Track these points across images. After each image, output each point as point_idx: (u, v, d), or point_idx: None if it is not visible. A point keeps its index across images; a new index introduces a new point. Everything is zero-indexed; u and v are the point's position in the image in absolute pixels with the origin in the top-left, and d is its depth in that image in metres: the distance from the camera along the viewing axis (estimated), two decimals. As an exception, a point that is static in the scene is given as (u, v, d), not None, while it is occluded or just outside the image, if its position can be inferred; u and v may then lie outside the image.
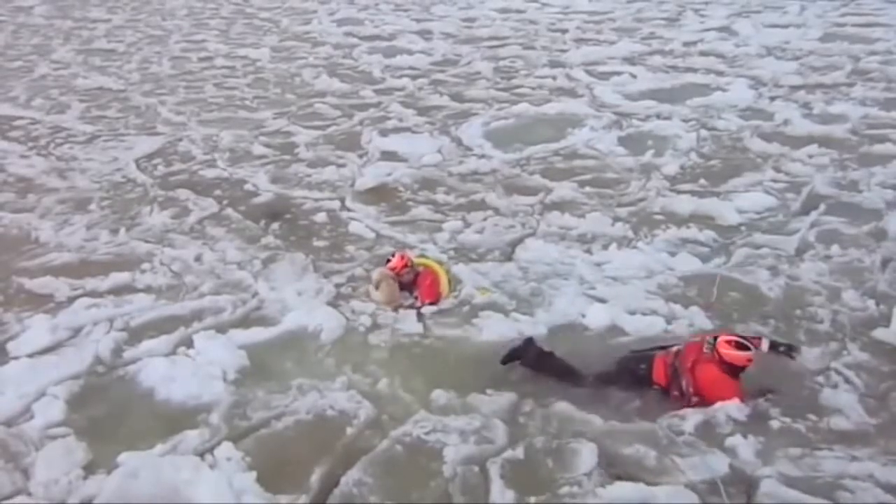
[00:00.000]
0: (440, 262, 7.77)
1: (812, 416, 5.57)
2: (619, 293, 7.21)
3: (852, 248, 7.87)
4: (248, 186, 10.43)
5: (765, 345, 5.94)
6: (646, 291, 7.26)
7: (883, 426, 5.46)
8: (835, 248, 7.88)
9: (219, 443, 5.50)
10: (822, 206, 8.83)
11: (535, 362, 6.16)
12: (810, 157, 10.24)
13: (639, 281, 7.45)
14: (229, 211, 9.68)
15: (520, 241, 8.46)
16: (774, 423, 5.49)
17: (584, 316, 6.88)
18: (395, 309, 7.17)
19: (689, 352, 5.81)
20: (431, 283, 7.34)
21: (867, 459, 5.12)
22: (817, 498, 4.83)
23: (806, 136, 10.99)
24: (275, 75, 16.29)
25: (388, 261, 7.48)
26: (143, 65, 17.90)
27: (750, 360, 5.63)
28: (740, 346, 5.62)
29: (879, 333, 6.45)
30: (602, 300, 7.10)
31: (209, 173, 11.00)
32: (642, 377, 5.90)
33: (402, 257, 7.50)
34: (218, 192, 10.32)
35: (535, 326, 6.74)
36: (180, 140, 12.45)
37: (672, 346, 6.05)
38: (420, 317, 7.03)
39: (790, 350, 6.04)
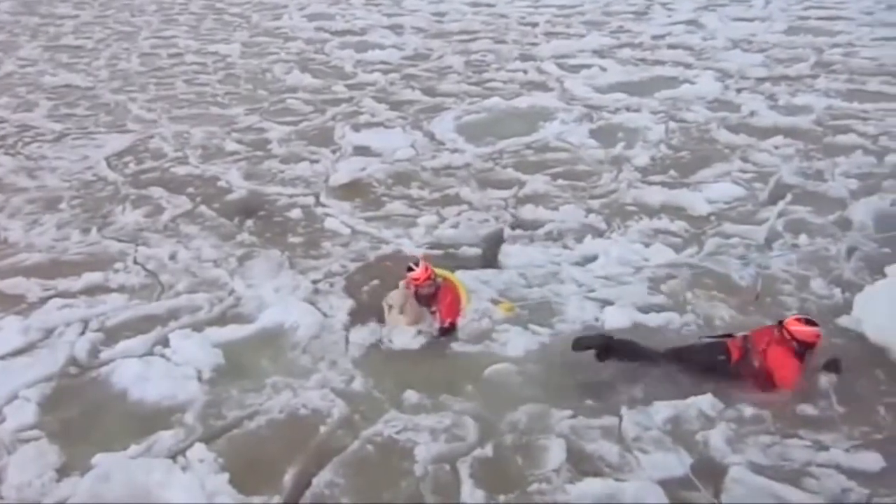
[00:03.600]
0: (451, 270, 7.44)
1: (781, 404, 5.73)
2: (619, 293, 7.24)
3: (819, 238, 8.08)
4: (221, 183, 10.38)
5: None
6: (645, 288, 7.33)
7: (848, 413, 5.63)
8: (802, 237, 8.08)
9: (192, 443, 5.51)
10: (789, 196, 9.04)
11: (607, 348, 6.20)
12: (776, 147, 10.45)
13: (630, 277, 7.53)
14: (203, 208, 9.63)
15: (497, 238, 8.50)
16: (745, 412, 5.64)
17: (597, 320, 6.85)
18: (419, 331, 6.78)
19: (761, 335, 5.99)
20: (453, 301, 6.83)
21: (832, 446, 5.29)
22: (784, 484, 4.98)
23: (772, 127, 11.21)
24: (246, 71, 16.18)
25: (410, 269, 6.91)
26: (111, 61, 17.66)
27: (819, 336, 5.85)
28: (809, 323, 5.83)
29: (844, 321, 6.64)
30: (608, 301, 7.10)
31: (181, 170, 10.93)
32: (720, 362, 6.00)
33: (427, 268, 6.90)
34: (191, 189, 10.25)
35: (557, 338, 6.60)
36: (151, 137, 12.33)
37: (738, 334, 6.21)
38: (440, 337, 6.73)
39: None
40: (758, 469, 5.13)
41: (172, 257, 8.33)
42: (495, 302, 7.09)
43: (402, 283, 7.02)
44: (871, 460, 5.15)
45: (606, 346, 6.17)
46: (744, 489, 4.97)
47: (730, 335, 6.21)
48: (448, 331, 6.72)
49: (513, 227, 8.73)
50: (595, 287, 7.37)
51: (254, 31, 20.12)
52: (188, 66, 16.84)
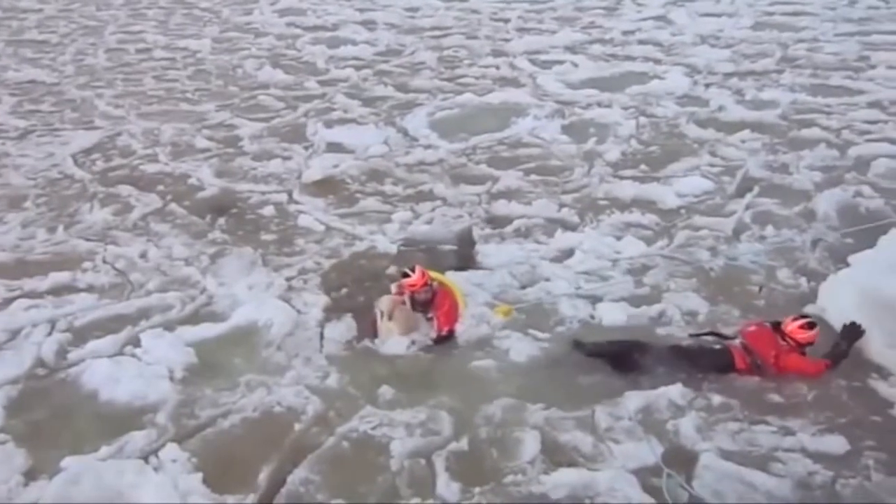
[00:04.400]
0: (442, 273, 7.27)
1: (749, 391, 5.86)
2: (605, 289, 7.30)
3: (785, 229, 8.25)
4: (192, 181, 10.29)
5: None
6: (630, 282, 7.40)
7: (813, 398, 5.77)
8: (769, 229, 8.24)
9: (165, 443, 5.47)
10: (756, 189, 9.21)
11: (617, 356, 6.23)
12: (743, 141, 10.63)
13: (610, 272, 7.59)
14: (174, 206, 9.54)
15: (468, 237, 8.47)
16: (714, 400, 5.75)
17: (592, 318, 6.88)
18: (413, 341, 6.56)
19: (762, 345, 6.04)
20: (451, 308, 6.64)
21: (799, 431, 5.41)
22: (752, 469, 5.08)
23: (739, 121, 11.39)
24: (216, 67, 16.03)
25: (406, 275, 6.70)
26: (77, 57, 17.38)
27: (817, 335, 6.00)
28: (811, 326, 5.95)
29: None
30: (597, 298, 7.14)
31: (151, 168, 10.81)
32: (724, 364, 6.08)
33: (424, 273, 6.67)
34: (161, 187, 10.15)
35: (559, 345, 6.52)
36: (119, 134, 12.17)
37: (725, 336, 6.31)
38: (435, 345, 6.58)
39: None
40: (727, 455, 5.22)
41: (143, 256, 8.25)
42: (492, 306, 6.98)
43: (392, 288, 6.92)
44: (836, 444, 5.28)
45: (617, 355, 6.20)
46: (714, 475, 5.05)
47: (720, 335, 6.31)
48: (445, 338, 6.57)
49: (486, 223, 8.77)
50: (579, 283, 7.41)
51: (224, 27, 19.93)
52: (157, 62, 16.64)
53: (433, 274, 6.92)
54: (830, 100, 12.08)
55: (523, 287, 7.37)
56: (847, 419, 5.54)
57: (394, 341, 6.55)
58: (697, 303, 7.01)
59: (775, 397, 5.80)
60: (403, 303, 6.65)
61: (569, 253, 7.98)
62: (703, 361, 6.13)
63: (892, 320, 5.97)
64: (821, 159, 9.96)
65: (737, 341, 6.19)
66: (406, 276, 6.68)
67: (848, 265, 7.26)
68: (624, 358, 6.17)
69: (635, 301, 7.08)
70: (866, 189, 8.99)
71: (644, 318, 6.85)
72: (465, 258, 8.09)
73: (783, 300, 7.00)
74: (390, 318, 6.52)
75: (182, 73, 15.67)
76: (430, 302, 6.64)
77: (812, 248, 7.89)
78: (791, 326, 6.01)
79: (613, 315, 6.86)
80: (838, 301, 6.47)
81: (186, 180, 10.33)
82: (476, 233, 8.49)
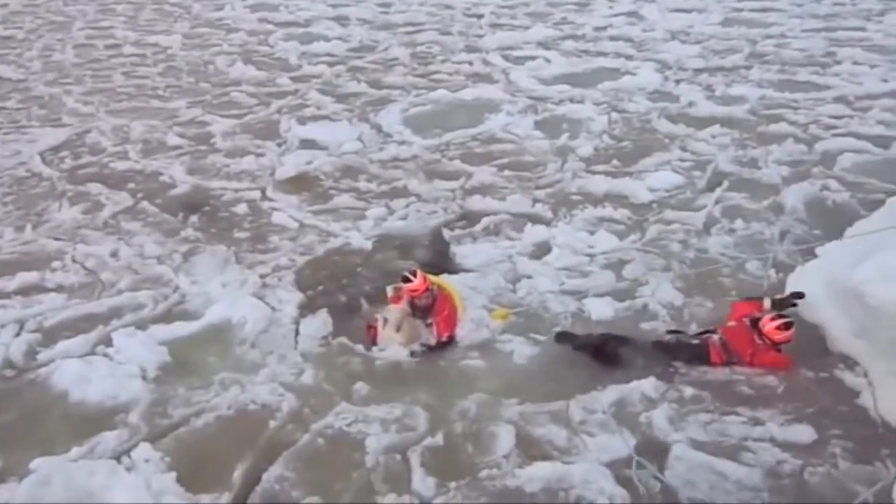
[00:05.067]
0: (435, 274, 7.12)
1: (720, 383, 5.96)
2: (587, 284, 7.35)
3: (754, 222, 8.38)
4: (163, 178, 10.20)
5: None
6: (611, 277, 7.47)
7: (782, 389, 5.88)
8: (738, 222, 8.36)
9: (137, 443, 5.43)
10: (726, 183, 9.34)
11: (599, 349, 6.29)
12: (713, 136, 10.75)
13: (587, 267, 7.64)
14: (145, 204, 9.45)
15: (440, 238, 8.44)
16: (686, 392, 5.84)
17: (583, 312, 6.91)
18: (412, 352, 6.41)
19: (739, 343, 6.14)
20: (450, 314, 6.54)
21: (768, 421, 5.52)
22: (723, 459, 5.18)
23: (709, 116, 11.52)
24: (187, 63, 15.87)
25: (406, 279, 6.52)
26: (44, 53, 17.12)
27: (793, 335, 6.07)
28: (788, 326, 6.01)
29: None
30: (582, 293, 7.19)
31: (121, 166, 10.68)
32: (700, 357, 6.17)
33: (425, 278, 6.53)
34: (132, 185, 10.04)
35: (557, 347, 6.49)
36: (88, 132, 12.02)
37: (704, 335, 6.36)
38: (436, 351, 6.48)
39: (794, 298, 6.44)
40: (698, 445, 5.31)
41: (114, 255, 8.17)
42: (489, 310, 6.90)
43: (389, 290, 6.84)
44: (804, 433, 5.39)
45: (598, 348, 6.26)
46: (685, 465, 5.14)
47: (703, 332, 6.38)
48: (445, 345, 6.48)
49: (458, 220, 8.80)
50: (562, 279, 7.44)
51: (195, 22, 19.74)
52: (126, 58, 16.44)
53: (432, 278, 6.79)
54: (798, 95, 12.26)
55: (515, 290, 7.29)
56: (814, 409, 5.65)
57: (395, 349, 6.45)
58: (675, 295, 7.10)
59: (746, 389, 5.90)
60: (410, 314, 6.49)
61: (544, 248, 8.02)
62: (681, 355, 6.22)
63: (859, 310, 6.08)
64: (788, 154, 10.11)
65: (716, 336, 6.26)
66: (407, 280, 6.51)
67: (815, 257, 7.41)
68: (605, 351, 6.24)
69: (618, 295, 7.16)
70: (832, 183, 9.16)
71: (629, 312, 6.92)
72: (439, 256, 8.09)
73: (752, 291, 7.10)
74: (397, 328, 6.35)
75: (152, 70, 15.50)
76: (430, 307, 6.52)
77: (780, 240, 8.03)
78: (769, 326, 6.07)
79: (601, 310, 6.91)
80: (806, 291, 6.57)
81: (158, 178, 10.23)
82: (446, 234, 8.44)
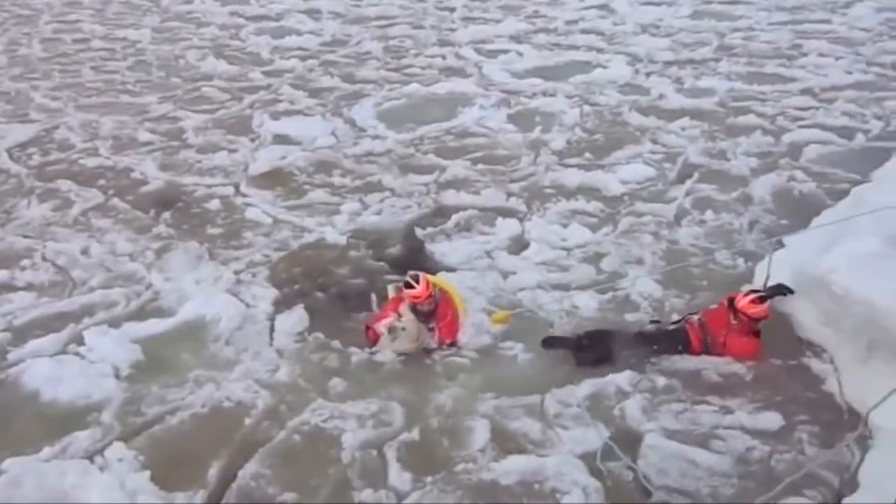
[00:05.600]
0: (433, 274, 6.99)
1: (691, 372, 6.06)
2: (569, 278, 7.38)
3: (723, 213, 8.51)
4: (134, 175, 10.10)
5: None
6: (591, 270, 7.52)
7: (751, 377, 5.99)
8: (708, 214, 8.49)
9: (111, 442, 5.40)
10: (696, 175, 9.46)
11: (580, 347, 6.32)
12: (683, 129, 10.87)
13: (566, 261, 7.68)
14: (116, 201, 9.36)
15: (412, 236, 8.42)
16: (659, 382, 5.93)
17: (576, 307, 6.91)
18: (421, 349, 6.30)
19: (716, 325, 6.22)
20: (453, 319, 6.40)
21: (737, 409, 5.62)
22: (694, 447, 5.28)
23: (679, 109, 11.64)
24: (157, 58, 15.68)
25: (409, 285, 6.32)
26: (10, 47, 16.84)
27: (769, 310, 6.15)
28: (762, 300, 6.09)
29: (747, 289, 7.02)
30: (565, 287, 7.21)
31: (91, 162, 10.56)
32: (681, 344, 6.25)
33: (428, 284, 6.33)
34: (102, 181, 9.94)
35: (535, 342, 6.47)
36: (57, 127, 11.85)
37: (685, 317, 6.45)
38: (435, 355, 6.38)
39: (782, 291, 6.49)
40: (670, 434, 5.40)
41: (84, 252, 8.09)
42: (489, 312, 6.79)
43: (390, 290, 6.71)
44: (772, 420, 5.50)
45: (578, 346, 6.30)
46: (658, 454, 5.23)
47: (683, 318, 6.47)
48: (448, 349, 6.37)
49: (431, 216, 8.83)
50: (544, 274, 7.46)
51: (164, 16, 19.50)
52: (95, 53, 16.21)
53: (432, 279, 6.63)
54: (765, 87, 12.42)
55: (513, 290, 7.20)
56: (782, 396, 5.76)
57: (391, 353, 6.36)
58: (655, 287, 7.18)
59: (716, 377, 6.00)
60: (420, 321, 6.32)
61: (521, 243, 8.08)
62: (662, 343, 6.30)
63: (825, 297, 6.20)
64: (756, 146, 10.26)
65: (695, 317, 6.38)
66: (409, 285, 6.31)
67: (783, 246, 7.56)
68: (593, 349, 6.29)
69: (600, 287, 7.21)
70: (799, 174, 9.31)
71: (612, 304, 6.98)
72: (414, 252, 8.11)
73: (722, 281, 7.24)
74: (414, 340, 6.20)
75: (122, 64, 15.30)
76: (432, 312, 6.36)
77: (749, 230, 8.17)
78: (742, 302, 6.15)
79: (587, 304, 6.96)
80: (774, 281, 6.69)
81: (129, 174, 10.13)
82: (419, 232, 8.41)
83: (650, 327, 6.53)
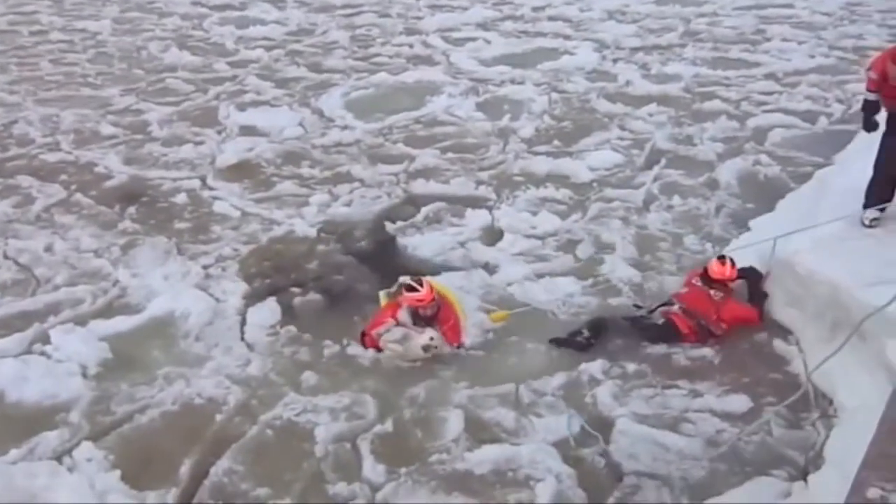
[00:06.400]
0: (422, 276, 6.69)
1: (661, 357, 6.13)
2: (551, 267, 7.38)
3: (691, 198, 8.60)
4: (98, 169, 9.91)
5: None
6: (569, 258, 7.54)
7: (719, 361, 6.08)
8: (676, 199, 8.58)
9: (79, 442, 5.32)
10: (663, 161, 9.55)
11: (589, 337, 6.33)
12: (650, 115, 10.95)
13: (542, 251, 7.67)
14: (79, 196, 9.18)
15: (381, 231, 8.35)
16: (629, 367, 5.99)
17: (571, 296, 6.90)
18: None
19: (701, 306, 6.25)
20: (456, 322, 6.26)
21: (706, 393, 5.70)
22: (664, 431, 5.34)
23: (646, 95, 11.73)
24: (119, 49, 15.37)
25: (411, 288, 6.16)
26: (-36, 41, 16.38)
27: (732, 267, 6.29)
28: (721, 259, 6.26)
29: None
30: (549, 275, 7.21)
31: (52, 157, 10.33)
32: (670, 334, 6.26)
33: (431, 287, 6.20)
34: (64, 176, 9.73)
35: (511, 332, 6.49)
36: (15, 122, 11.56)
37: (661, 309, 6.45)
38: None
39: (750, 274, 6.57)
40: (641, 419, 5.45)
41: (48, 249, 7.92)
42: (486, 311, 6.68)
43: (381, 297, 6.57)
44: (740, 402, 5.58)
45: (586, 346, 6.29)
46: (629, 439, 5.27)
47: (661, 305, 6.48)
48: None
49: (403, 205, 8.83)
50: (527, 266, 7.43)
51: (125, 6, 19.07)
52: (54, 45, 15.82)
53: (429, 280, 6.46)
54: (730, 72, 12.56)
55: (509, 285, 7.13)
56: (750, 379, 5.84)
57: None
58: (633, 272, 7.23)
59: (685, 362, 6.08)
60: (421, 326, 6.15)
61: (493, 233, 8.08)
62: (652, 335, 6.33)
63: (790, 279, 6.32)
64: (722, 130, 10.37)
65: (675, 308, 6.39)
66: (412, 289, 6.15)
67: (749, 230, 7.68)
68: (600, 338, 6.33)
69: (580, 275, 7.24)
70: (764, 158, 9.44)
71: (594, 290, 7.01)
72: (384, 245, 8.07)
73: (691, 265, 7.32)
74: (427, 350, 5.99)
75: (82, 57, 14.96)
76: (434, 316, 6.21)
77: (716, 214, 8.26)
78: (715, 268, 6.26)
79: (574, 291, 6.98)
80: (740, 264, 6.79)
81: (92, 169, 9.93)
82: (389, 227, 8.34)
83: (639, 313, 6.55)
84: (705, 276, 6.36)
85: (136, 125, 11.36)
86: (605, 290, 7.03)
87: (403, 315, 6.19)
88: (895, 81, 5.93)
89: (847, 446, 4.84)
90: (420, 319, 6.17)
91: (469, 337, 6.37)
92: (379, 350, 6.19)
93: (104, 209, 8.86)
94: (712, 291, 6.27)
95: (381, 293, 6.72)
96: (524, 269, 7.35)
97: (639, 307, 6.65)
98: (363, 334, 6.32)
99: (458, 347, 6.25)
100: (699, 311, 6.30)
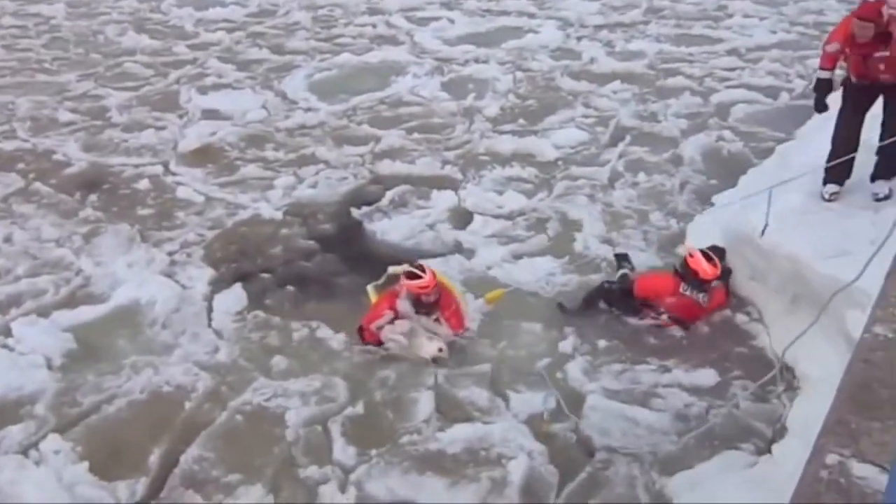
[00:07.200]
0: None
1: (632, 334, 6.21)
2: (526, 248, 7.39)
3: (655, 175, 8.68)
4: (57, 157, 9.69)
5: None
6: (542, 237, 7.57)
7: (686, 337, 6.17)
8: (641, 175, 8.65)
9: (45, 434, 5.25)
10: (628, 138, 9.61)
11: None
12: (615, 92, 10.99)
13: (515, 232, 7.69)
14: (38, 185, 8.97)
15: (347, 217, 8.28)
16: (600, 344, 6.06)
17: (552, 275, 6.91)
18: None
19: (691, 313, 6.16)
20: (458, 307, 6.14)
21: (675, 368, 5.79)
22: (634, 406, 5.42)
23: (610, 72, 11.76)
24: (74, 34, 14.96)
25: (413, 275, 5.97)
26: (-90, 26, 15.82)
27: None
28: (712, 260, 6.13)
29: (681, 250, 7.17)
30: (527, 255, 7.23)
31: (8, 146, 10.07)
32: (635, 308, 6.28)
33: (434, 272, 6.04)
34: (21, 165, 9.50)
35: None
36: (-32, 111, 11.27)
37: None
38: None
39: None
40: (612, 395, 5.52)
41: (7, 240, 7.76)
42: (476, 295, 6.61)
43: (369, 291, 6.39)
44: (707, 376, 5.69)
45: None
46: (599, 415, 5.34)
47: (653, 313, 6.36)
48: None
49: (370, 184, 8.80)
50: (502, 247, 7.42)
51: (79, -11, 18.57)
52: (6, 30, 15.33)
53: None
54: (693, 49, 12.63)
55: (489, 267, 7.11)
56: (716, 353, 5.94)
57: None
58: (605, 248, 7.29)
59: (655, 338, 6.17)
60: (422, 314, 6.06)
61: (459, 213, 8.08)
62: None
63: (753, 254, 6.41)
64: (686, 107, 10.46)
65: (663, 317, 6.25)
66: (413, 276, 5.97)
67: (712, 205, 7.78)
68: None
69: (556, 253, 7.27)
70: (727, 133, 9.54)
71: (573, 266, 7.05)
72: (348, 228, 8.03)
73: (656, 240, 7.45)
74: (439, 355, 5.87)
75: (36, 42, 14.53)
76: (436, 303, 6.06)
77: (680, 190, 8.36)
78: (704, 271, 6.03)
79: (552, 269, 6.99)
80: (705, 239, 6.88)
81: (51, 157, 9.71)
82: (355, 213, 8.28)
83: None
84: (695, 278, 6.05)
85: (95, 111, 11.11)
86: (582, 266, 7.08)
87: (404, 304, 6.02)
88: (862, 38, 5.76)
89: (809, 416, 4.94)
90: (422, 307, 6.01)
91: (474, 322, 6.29)
92: (379, 344, 6.03)
93: (64, 197, 8.68)
94: (701, 296, 6.11)
95: (369, 287, 6.56)
96: (501, 251, 7.36)
97: (611, 283, 6.62)
98: (361, 329, 6.12)
99: (463, 333, 6.11)
100: (690, 318, 6.22)
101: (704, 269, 6.03)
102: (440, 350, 5.84)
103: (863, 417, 3.08)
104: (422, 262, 6.42)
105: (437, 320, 6.08)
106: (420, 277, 5.94)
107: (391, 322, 6.00)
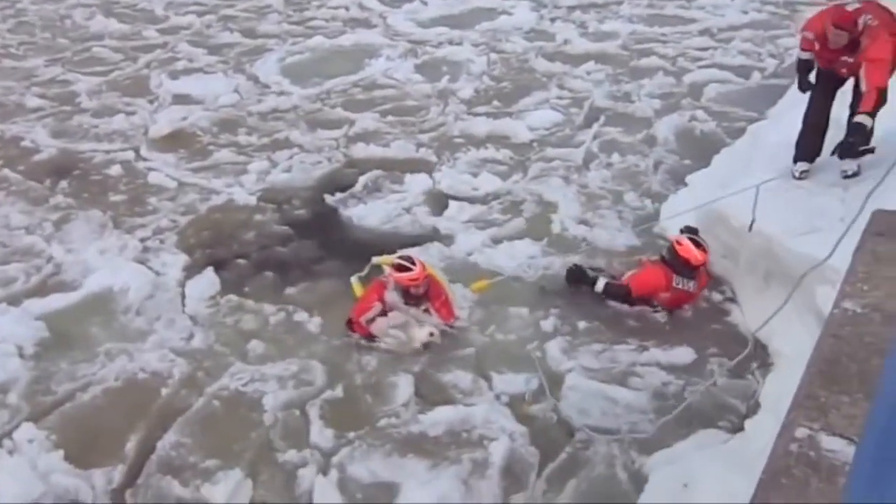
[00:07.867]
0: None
1: (611, 315, 6.23)
2: (504, 232, 7.35)
3: (629, 155, 8.72)
4: (25, 143, 9.51)
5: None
6: (520, 221, 7.54)
7: (664, 316, 6.20)
8: (615, 156, 8.68)
9: (19, 424, 5.19)
10: (602, 119, 9.63)
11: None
12: (589, 73, 11.00)
13: (491, 217, 7.65)
14: (6, 172, 8.80)
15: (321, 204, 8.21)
16: (580, 325, 6.09)
17: (533, 258, 6.89)
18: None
19: (684, 300, 6.18)
20: (447, 300, 6.06)
21: (653, 348, 5.82)
22: (613, 385, 5.46)
23: (584, 53, 11.76)
24: (40, 18, 14.68)
25: (402, 267, 5.86)
26: None
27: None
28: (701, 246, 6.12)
29: (655, 229, 7.27)
30: (506, 239, 7.20)
31: (-25, 133, 9.89)
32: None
33: (423, 264, 5.98)
34: (-12, 152, 9.33)
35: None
36: (-67, 98, 11.02)
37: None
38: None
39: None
40: (591, 374, 5.54)
41: (-25, 229, 7.62)
42: (463, 284, 6.50)
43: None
44: (684, 354, 5.73)
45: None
46: (579, 395, 5.36)
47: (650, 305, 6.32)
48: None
49: (344, 167, 8.76)
50: (480, 232, 7.38)
51: (44, -28, 18.16)
52: (-31, 16, 15.04)
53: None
54: (666, 29, 12.65)
55: (470, 253, 7.05)
56: (693, 332, 6.00)
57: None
58: (583, 229, 7.30)
59: (633, 317, 6.19)
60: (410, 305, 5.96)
61: (434, 196, 8.05)
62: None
63: (726, 232, 6.47)
64: (659, 87, 10.49)
65: (659, 312, 6.26)
66: (403, 268, 5.86)
67: (686, 185, 7.84)
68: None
69: (534, 236, 7.25)
70: (700, 113, 9.59)
71: (554, 251, 7.00)
72: (323, 214, 7.98)
73: (632, 220, 7.48)
74: (431, 340, 5.80)
75: (1, 27, 14.28)
76: (425, 294, 5.97)
77: (654, 171, 8.40)
78: (695, 257, 6.05)
79: (533, 252, 6.97)
80: (679, 218, 6.94)
81: (19, 143, 9.54)
82: (329, 199, 8.19)
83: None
84: (686, 266, 6.07)
85: (64, 96, 10.92)
86: (562, 248, 7.08)
87: (392, 296, 5.93)
88: (834, 45, 5.95)
89: (781, 391, 5.03)
90: (410, 298, 5.92)
91: (464, 311, 6.22)
92: (371, 337, 5.90)
93: (34, 184, 8.54)
94: (691, 284, 6.12)
95: (353, 278, 6.41)
96: (480, 237, 7.32)
97: (597, 269, 6.62)
98: (350, 321, 5.99)
99: (453, 323, 6.03)
100: (683, 304, 6.25)
101: (695, 255, 6.06)
102: (431, 335, 5.77)
103: (832, 392, 3.13)
104: (403, 251, 6.42)
105: (426, 311, 5.99)
106: (409, 269, 5.85)
107: (382, 314, 5.96)
